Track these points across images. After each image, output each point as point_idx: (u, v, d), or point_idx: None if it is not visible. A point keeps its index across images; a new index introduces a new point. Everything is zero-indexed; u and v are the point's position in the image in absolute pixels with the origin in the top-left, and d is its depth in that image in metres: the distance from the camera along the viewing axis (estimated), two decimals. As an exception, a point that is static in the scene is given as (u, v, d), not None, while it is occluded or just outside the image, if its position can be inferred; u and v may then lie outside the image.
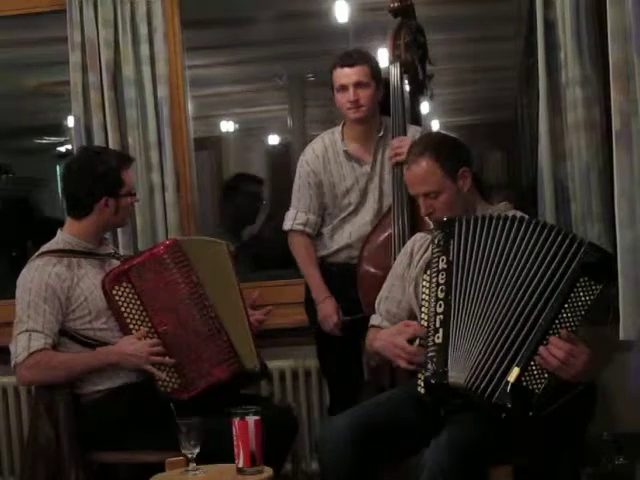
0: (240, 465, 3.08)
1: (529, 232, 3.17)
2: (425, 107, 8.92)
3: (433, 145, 3.47)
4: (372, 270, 4.07)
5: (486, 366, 3.09)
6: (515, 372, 3.05)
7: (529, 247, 3.15)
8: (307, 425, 4.63)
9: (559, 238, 3.14)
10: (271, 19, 6.76)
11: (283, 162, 4.36)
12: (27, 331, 3.58)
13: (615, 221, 3.60)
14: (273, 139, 11.37)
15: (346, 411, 3.39)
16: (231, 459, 3.11)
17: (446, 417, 3.20)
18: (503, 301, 3.13)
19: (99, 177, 3.71)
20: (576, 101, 4.24)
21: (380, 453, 3.28)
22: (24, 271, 3.70)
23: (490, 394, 3.06)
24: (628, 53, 3.49)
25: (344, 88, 4.11)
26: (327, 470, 3.30)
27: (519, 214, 3.37)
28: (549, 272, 3.11)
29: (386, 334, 3.45)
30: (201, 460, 3.15)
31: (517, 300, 3.12)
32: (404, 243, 3.91)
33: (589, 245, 3.16)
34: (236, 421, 3.08)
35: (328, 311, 4.18)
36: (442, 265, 3.22)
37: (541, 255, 3.13)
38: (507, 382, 3.04)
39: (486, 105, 10.60)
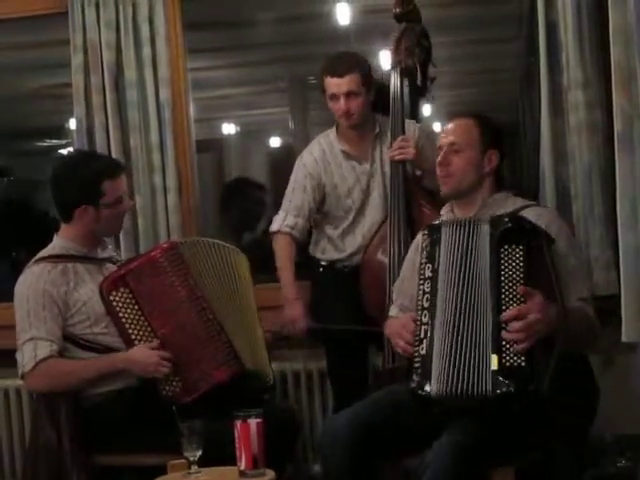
0: (242, 467, 3.08)
1: (476, 230, 3.20)
2: (427, 109, 8.96)
3: (484, 116, 3.55)
4: (374, 269, 4.10)
5: (466, 369, 3.08)
6: (494, 359, 3.04)
7: (477, 244, 3.18)
8: (309, 427, 4.62)
9: (479, 225, 3.19)
10: (272, 22, 6.77)
11: (285, 164, 4.35)
12: (32, 339, 3.57)
13: (617, 223, 3.60)
14: (275, 141, 11.39)
15: (345, 410, 3.39)
16: (233, 462, 3.11)
17: (446, 418, 3.19)
18: (471, 305, 3.13)
19: (77, 183, 3.69)
20: (578, 103, 4.24)
21: (380, 452, 3.29)
22: (20, 279, 3.69)
23: (484, 392, 3.05)
24: (630, 55, 3.48)
25: (335, 97, 4.13)
26: (328, 468, 3.30)
27: (519, 204, 3.42)
28: (483, 259, 3.14)
29: (394, 323, 3.45)
30: (203, 463, 3.15)
31: (478, 299, 3.13)
32: (400, 241, 3.99)
33: (495, 218, 3.20)
34: (238, 423, 3.08)
35: (295, 314, 4.20)
36: (428, 273, 3.22)
37: (479, 247, 3.16)
38: (492, 372, 3.03)
39: (488, 107, 10.59)
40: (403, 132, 4.11)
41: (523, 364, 3.02)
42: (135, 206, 4.39)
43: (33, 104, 9.25)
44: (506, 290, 3.07)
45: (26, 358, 3.57)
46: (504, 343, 3.03)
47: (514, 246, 3.09)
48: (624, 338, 3.55)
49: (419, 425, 3.25)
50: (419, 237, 3.56)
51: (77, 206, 3.68)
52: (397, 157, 4.05)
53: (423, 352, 3.15)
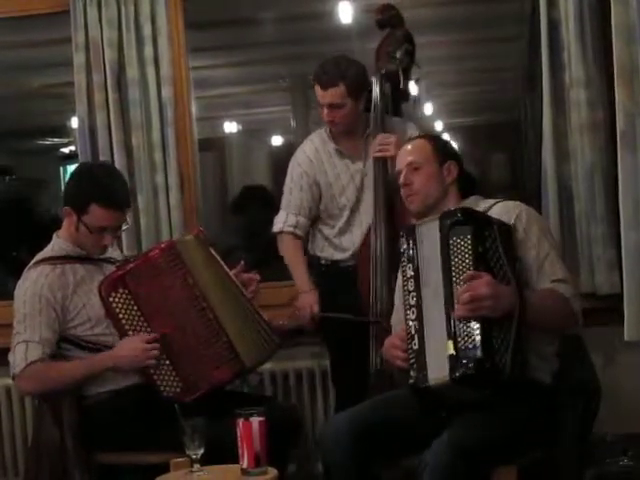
0: (244, 466, 3.08)
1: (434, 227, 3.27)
2: (428, 108, 8.96)
3: (432, 134, 3.76)
4: (367, 271, 4.11)
5: (440, 358, 3.14)
6: (450, 344, 3.10)
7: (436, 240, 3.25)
8: (311, 426, 4.63)
9: (433, 221, 3.28)
10: (274, 20, 6.76)
11: (286, 163, 4.35)
12: (24, 342, 3.57)
13: (619, 222, 3.60)
14: (276, 140, 11.37)
15: (347, 410, 3.41)
16: (235, 460, 3.11)
17: (448, 417, 3.20)
18: (439, 297, 3.20)
19: (73, 185, 3.73)
20: (580, 102, 4.24)
21: (380, 451, 3.30)
22: (20, 282, 3.68)
23: (451, 376, 3.10)
24: (633, 53, 3.49)
25: (320, 105, 4.17)
26: (329, 467, 3.31)
27: (489, 202, 3.46)
28: (438, 254, 3.22)
29: (387, 339, 3.49)
30: (205, 461, 3.15)
31: (440, 291, 3.19)
32: (382, 237, 4.05)
33: (445, 212, 3.28)
34: (240, 422, 3.08)
35: (309, 300, 4.23)
36: (410, 272, 3.29)
37: (436, 242, 3.24)
38: (450, 356, 3.09)
39: (489, 106, 10.60)
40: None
41: (478, 344, 3.06)
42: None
43: (35, 103, 9.24)
44: (457, 280, 3.14)
45: (17, 360, 3.58)
46: (458, 328, 3.09)
47: (462, 236, 3.17)
48: (626, 337, 3.56)
49: (421, 425, 3.26)
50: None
51: (66, 204, 3.69)
52: (377, 154, 4.08)
53: (416, 347, 3.20)
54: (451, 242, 3.17)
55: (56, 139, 10.89)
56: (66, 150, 10.77)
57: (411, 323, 3.24)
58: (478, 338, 3.06)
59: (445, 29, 6.65)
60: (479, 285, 3.08)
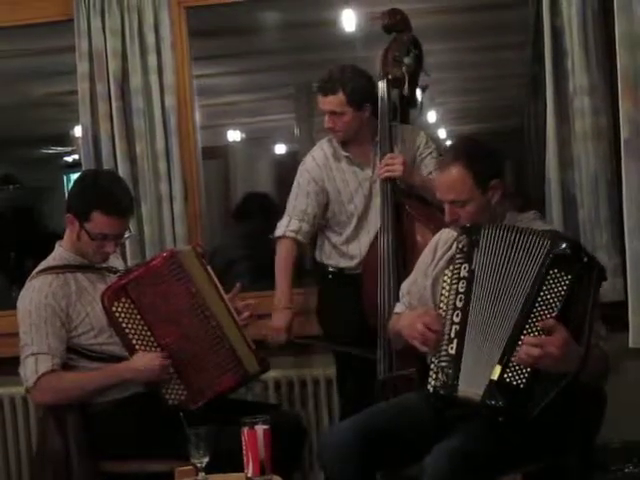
0: (249, 474, 3.08)
1: (529, 242, 3.14)
2: (432, 116, 8.97)
3: (467, 153, 3.35)
4: (372, 279, 4.10)
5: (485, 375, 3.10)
6: (497, 370, 3.04)
7: (526, 257, 3.13)
8: (316, 434, 4.62)
9: (536, 239, 3.13)
10: (278, 28, 6.77)
11: (290, 171, 4.36)
12: (33, 354, 3.57)
13: (623, 229, 3.60)
14: (280, 148, 11.38)
15: (349, 418, 3.39)
16: (240, 468, 3.10)
17: (451, 424, 3.19)
18: (506, 313, 3.12)
19: (76, 192, 3.73)
20: (584, 109, 4.23)
21: (383, 459, 3.28)
22: (22, 292, 3.68)
23: (482, 398, 3.07)
24: (637, 61, 3.50)
25: (322, 112, 4.19)
26: (330, 475, 3.29)
27: (547, 226, 3.37)
28: (529, 273, 3.10)
29: (409, 316, 3.40)
30: (210, 469, 3.15)
31: (509, 308, 3.11)
32: (391, 255, 4.01)
33: (556, 238, 3.14)
34: (245, 430, 3.08)
35: (279, 324, 4.21)
36: (464, 273, 3.19)
37: (527, 260, 3.12)
38: (491, 381, 3.04)
39: (493, 114, 10.60)
40: (391, 143, 4.12)
41: (522, 386, 3.02)
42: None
43: (38, 111, 9.25)
44: (538, 313, 3.04)
45: (28, 373, 3.58)
46: (512, 359, 3.04)
47: (563, 273, 3.04)
48: (631, 344, 3.57)
49: (425, 432, 3.24)
50: (436, 238, 3.54)
51: (68, 211, 3.69)
52: (384, 175, 4.07)
53: (452, 352, 3.14)
54: (551, 272, 3.05)
55: (59, 148, 10.90)
56: (69, 159, 10.79)
57: (452, 325, 3.16)
58: (524, 382, 3.01)
59: (448, 36, 6.65)
60: (552, 343, 2.96)
